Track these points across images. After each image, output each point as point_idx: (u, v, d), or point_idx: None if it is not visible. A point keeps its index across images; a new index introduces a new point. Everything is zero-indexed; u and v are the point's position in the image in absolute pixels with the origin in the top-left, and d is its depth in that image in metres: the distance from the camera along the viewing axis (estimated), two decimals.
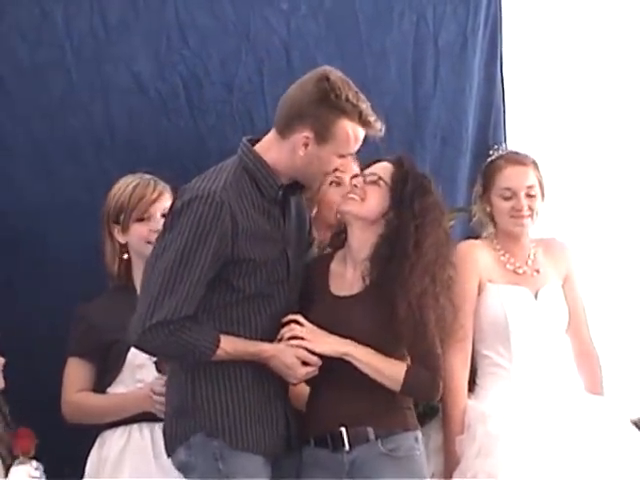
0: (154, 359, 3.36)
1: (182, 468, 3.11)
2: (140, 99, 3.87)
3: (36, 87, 3.79)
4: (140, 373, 3.42)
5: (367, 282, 3.19)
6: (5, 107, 3.76)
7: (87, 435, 3.50)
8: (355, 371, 3.13)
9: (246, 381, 3.09)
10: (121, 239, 3.49)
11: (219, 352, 3.02)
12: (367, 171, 3.26)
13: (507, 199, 3.64)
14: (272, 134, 3.09)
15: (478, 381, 3.63)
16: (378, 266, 3.17)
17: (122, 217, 3.47)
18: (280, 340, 3.11)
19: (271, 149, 3.09)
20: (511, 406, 3.54)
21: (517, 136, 4.35)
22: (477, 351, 3.58)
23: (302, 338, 3.12)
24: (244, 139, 3.12)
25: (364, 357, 3.15)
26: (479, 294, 3.60)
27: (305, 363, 3.10)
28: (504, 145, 3.89)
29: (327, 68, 3.08)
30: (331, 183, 3.57)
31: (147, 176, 3.51)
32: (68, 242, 3.78)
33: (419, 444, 3.26)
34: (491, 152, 3.75)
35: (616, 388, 4.05)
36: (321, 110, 3.03)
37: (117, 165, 3.75)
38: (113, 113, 3.84)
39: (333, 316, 3.17)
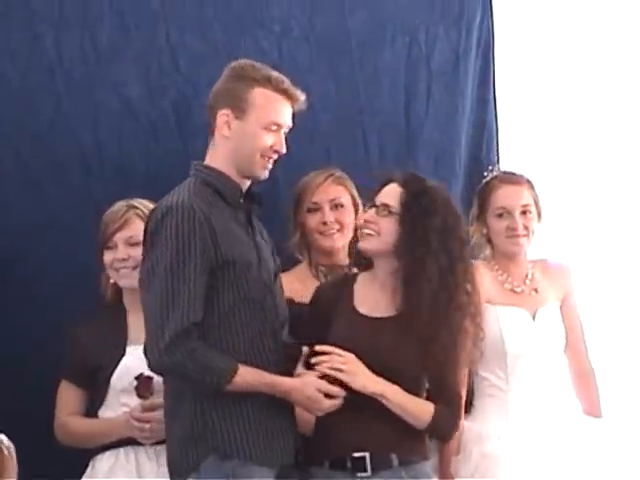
0: (135, 384, 3.36)
1: None
2: (130, 123, 3.86)
3: (25, 111, 3.78)
4: (124, 397, 3.42)
5: (400, 307, 3.17)
6: None
7: (82, 459, 3.49)
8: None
9: (256, 396, 3.05)
10: None
11: (237, 379, 2.98)
12: (378, 200, 3.23)
13: (502, 218, 3.65)
14: (210, 141, 3.14)
15: (475, 402, 3.63)
16: (407, 293, 3.15)
17: (113, 241, 3.50)
18: (312, 368, 3.08)
19: (213, 155, 3.13)
20: (507, 428, 3.55)
21: (510, 156, 4.33)
22: (474, 373, 3.57)
23: (341, 370, 3.08)
24: (193, 163, 3.17)
25: (395, 398, 3.13)
26: None
27: (327, 395, 3.07)
28: (497, 165, 3.90)
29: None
30: (309, 210, 3.61)
31: (133, 202, 3.52)
32: (55, 265, 3.77)
33: (433, 473, 3.27)
34: (485, 173, 3.78)
35: (614, 409, 4.05)
36: (231, 85, 3.07)
37: (105, 189, 3.74)
38: (102, 137, 3.83)
39: (360, 334, 3.14)
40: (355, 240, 3.46)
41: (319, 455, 3.17)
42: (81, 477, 3.49)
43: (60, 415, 3.49)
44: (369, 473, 3.13)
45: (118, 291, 3.53)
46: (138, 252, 3.35)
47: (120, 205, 3.51)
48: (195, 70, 3.87)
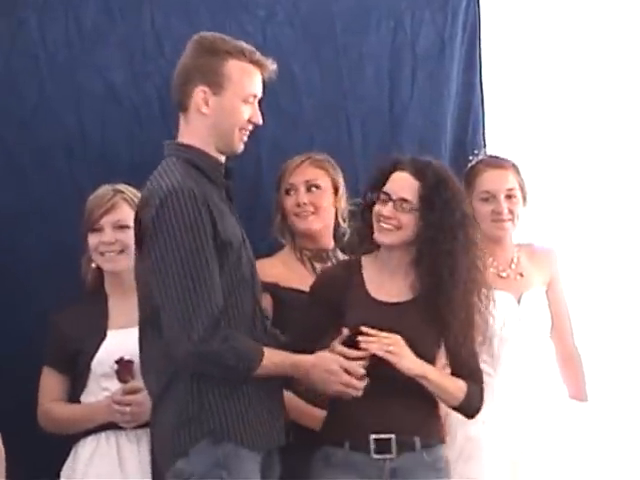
0: (116, 367, 3.37)
1: (178, 478, 3.00)
2: (114, 108, 3.85)
3: (9, 95, 3.77)
4: (105, 382, 3.42)
5: (417, 291, 3.19)
6: None
7: (65, 445, 3.50)
8: (400, 379, 3.12)
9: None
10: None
11: (265, 362, 2.95)
12: (393, 193, 3.20)
13: (487, 202, 3.66)
14: (180, 120, 3.05)
15: None
16: (427, 277, 3.17)
17: (99, 224, 3.49)
18: (357, 347, 3.08)
19: (189, 133, 3.04)
20: (493, 411, 3.55)
21: (497, 141, 4.34)
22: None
23: (389, 351, 3.10)
24: (166, 142, 3.10)
25: (435, 378, 3.16)
26: None
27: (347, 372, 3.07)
28: (483, 149, 3.92)
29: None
30: (286, 192, 3.60)
31: (118, 186, 3.51)
32: (38, 249, 3.76)
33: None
34: (471, 157, 3.80)
35: (600, 393, 4.08)
36: (204, 60, 3.00)
37: (89, 174, 3.74)
38: (86, 122, 3.82)
39: (381, 320, 3.15)
40: (337, 224, 3.47)
41: (337, 436, 3.18)
42: (63, 464, 3.49)
43: (43, 402, 3.50)
44: (394, 455, 3.16)
45: (99, 276, 3.53)
46: (125, 236, 3.38)
47: (106, 189, 3.50)
48: (180, 55, 3.66)
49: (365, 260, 3.26)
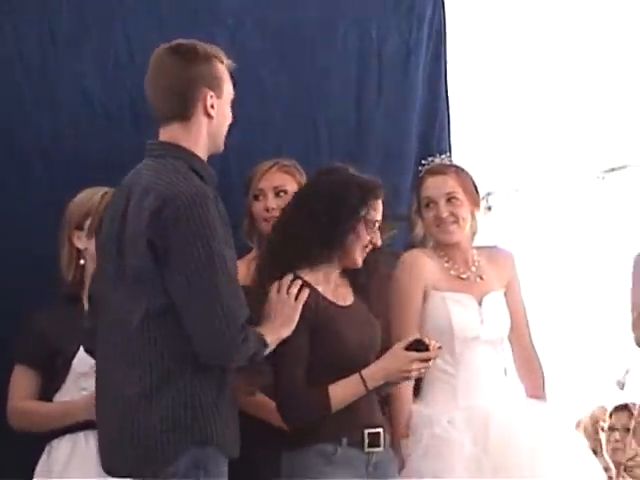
0: None
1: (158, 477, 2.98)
2: (87, 113, 3.89)
3: None
4: (85, 381, 3.43)
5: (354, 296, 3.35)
6: None
7: (36, 444, 3.51)
8: None
9: (224, 384, 3.05)
10: (81, 245, 3.55)
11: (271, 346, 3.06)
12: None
13: (429, 208, 3.71)
14: (174, 128, 3.03)
15: (424, 386, 3.69)
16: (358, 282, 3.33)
17: (87, 223, 3.52)
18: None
19: (189, 139, 3.05)
20: (456, 411, 3.60)
21: (462, 147, 4.42)
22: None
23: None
24: (151, 142, 3.08)
25: None
26: (424, 302, 3.66)
27: None
28: (448, 156, 3.94)
29: (163, 45, 3.10)
30: (255, 197, 3.66)
31: (101, 189, 3.56)
32: (14, 251, 3.78)
33: None
34: (420, 168, 3.83)
35: (558, 392, 4.15)
36: (203, 66, 3.05)
37: (64, 177, 3.77)
38: (61, 127, 3.87)
39: (360, 324, 3.30)
40: None
41: (335, 432, 3.22)
42: (35, 464, 3.50)
43: (15, 399, 3.50)
44: (382, 448, 3.28)
45: (82, 274, 3.55)
46: None
47: (92, 191, 3.54)
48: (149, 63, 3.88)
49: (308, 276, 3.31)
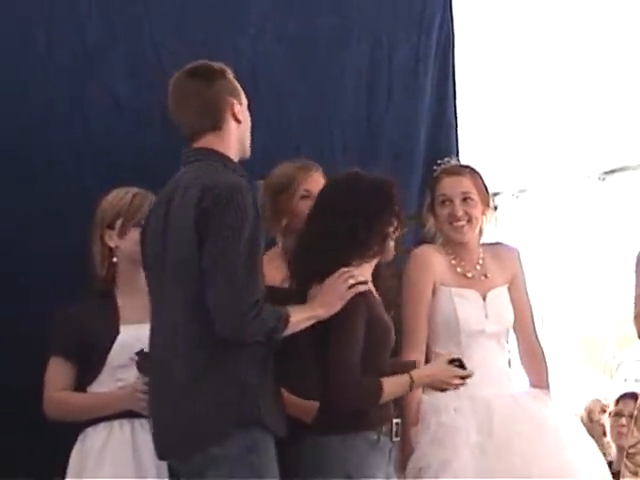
0: (137, 359, 3.48)
1: (208, 464, 3.07)
2: (117, 116, 4.01)
3: (20, 105, 3.92)
4: (121, 373, 3.54)
5: None
6: None
7: (68, 434, 3.57)
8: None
9: (267, 364, 3.16)
10: (113, 243, 3.63)
11: (292, 319, 3.15)
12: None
13: (445, 206, 3.81)
14: (209, 138, 3.24)
15: None
16: None
17: (119, 222, 3.61)
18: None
19: (222, 146, 3.25)
20: (462, 399, 3.68)
21: (469, 150, 4.54)
22: (431, 349, 3.75)
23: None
24: (186, 151, 3.25)
25: None
26: (433, 296, 3.77)
27: None
28: (449, 159, 4.03)
29: (178, 73, 3.32)
30: (302, 197, 3.70)
31: (131, 189, 3.66)
32: (47, 247, 3.86)
33: None
34: (435, 168, 3.94)
35: (561, 384, 4.27)
36: (222, 80, 3.28)
37: (95, 177, 3.89)
38: (92, 129, 3.98)
39: None
40: None
41: (376, 421, 3.33)
42: (69, 451, 3.56)
43: (51, 391, 3.55)
44: (399, 438, 3.46)
45: (114, 272, 3.63)
46: None
47: (124, 191, 3.65)
48: (177, 68, 3.79)
49: None
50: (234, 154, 3.29)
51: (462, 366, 3.43)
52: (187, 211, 3.15)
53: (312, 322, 3.19)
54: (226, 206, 3.08)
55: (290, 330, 3.15)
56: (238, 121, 3.27)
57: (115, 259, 3.64)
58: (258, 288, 3.11)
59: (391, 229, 3.35)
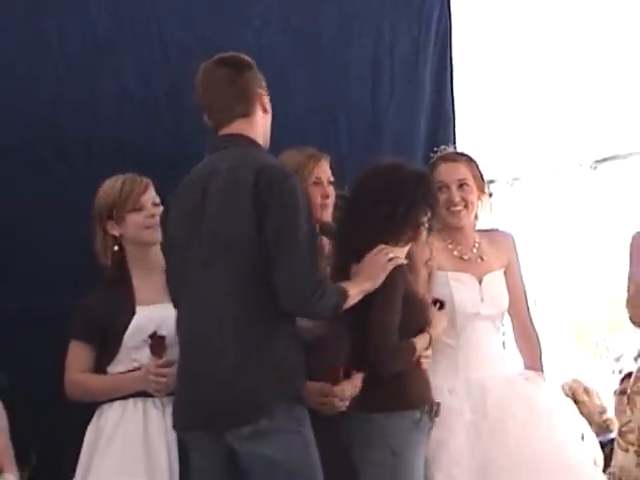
0: (150, 342, 3.58)
1: (257, 435, 3.15)
2: (126, 107, 4.08)
3: (32, 96, 4.00)
4: (135, 354, 3.63)
5: None
6: (3, 116, 3.99)
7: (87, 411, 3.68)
8: None
9: (300, 345, 3.27)
10: (116, 232, 3.71)
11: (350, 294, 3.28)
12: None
13: (442, 192, 3.88)
14: (239, 123, 3.31)
15: None
16: None
17: (115, 211, 3.68)
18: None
19: (253, 133, 3.34)
20: (457, 382, 3.78)
21: (466, 138, 4.63)
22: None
23: None
24: (216, 137, 3.30)
25: None
26: (430, 281, 3.84)
27: None
28: (446, 146, 4.11)
29: (207, 62, 3.38)
30: (315, 184, 3.75)
31: (129, 174, 3.75)
32: (58, 234, 3.94)
33: None
34: (432, 155, 4.04)
35: (552, 366, 4.36)
36: (250, 73, 3.39)
37: (104, 166, 3.92)
38: (101, 120, 4.06)
39: None
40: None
41: (420, 402, 3.45)
42: (86, 426, 3.66)
43: (72, 372, 3.66)
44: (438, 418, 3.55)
45: (121, 257, 3.72)
46: (159, 211, 3.66)
47: (123, 177, 3.72)
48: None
49: None
50: (261, 142, 3.37)
51: (442, 306, 3.59)
52: (239, 193, 3.21)
53: (362, 296, 3.30)
54: (283, 188, 3.17)
55: (347, 305, 3.26)
56: (265, 111, 3.36)
57: (116, 247, 3.72)
58: (319, 269, 3.22)
59: (425, 218, 3.49)
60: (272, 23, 4.25)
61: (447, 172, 3.92)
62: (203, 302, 3.25)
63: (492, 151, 4.69)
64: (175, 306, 3.40)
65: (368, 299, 3.37)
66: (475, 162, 3.97)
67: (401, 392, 3.43)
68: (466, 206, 3.90)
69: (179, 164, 3.85)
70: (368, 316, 3.37)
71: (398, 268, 3.39)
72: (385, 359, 3.39)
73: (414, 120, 4.41)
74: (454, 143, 4.48)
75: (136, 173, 3.77)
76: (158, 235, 3.64)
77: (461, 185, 3.91)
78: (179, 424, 3.36)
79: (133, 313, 3.66)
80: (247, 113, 3.34)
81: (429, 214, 3.53)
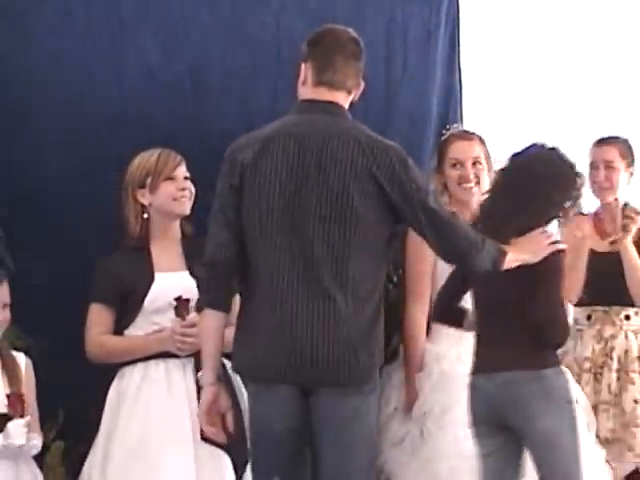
0: (175, 304, 3.70)
1: (361, 398, 3.28)
2: (150, 84, 4.22)
3: (60, 75, 4.15)
4: (157, 317, 3.74)
5: None
6: (34, 94, 4.16)
7: (106, 375, 3.81)
8: None
9: None
10: (146, 201, 3.84)
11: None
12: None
13: (455, 169, 4.04)
14: (340, 95, 3.39)
15: (433, 326, 3.99)
16: None
17: (149, 180, 3.81)
18: None
19: (344, 107, 3.45)
20: (462, 346, 3.86)
21: (473, 116, 4.74)
22: (434, 302, 3.85)
23: None
24: (320, 100, 3.34)
25: None
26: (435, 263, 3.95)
27: None
28: (456, 125, 4.27)
29: (347, 30, 3.51)
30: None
31: (164, 149, 3.89)
32: (86, 205, 4.12)
33: None
34: (443, 131, 4.19)
35: None
36: (362, 61, 3.50)
37: (128, 141, 4.08)
38: (126, 97, 4.20)
39: None
40: None
41: (481, 367, 3.51)
42: (108, 387, 3.79)
43: (93, 334, 3.77)
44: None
45: (146, 228, 3.85)
46: (189, 185, 3.83)
47: (160, 149, 3.86)
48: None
49: None
50: None
51: None
52: (356, 164, 3.29)
53: (518, 264, 3.42)
54: (408, 166, 3.30)
55: (505, 266, 3.39)
56: (354, 98, 3.45)
57: (146, 215, 3.84)
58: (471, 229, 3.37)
59: (567, 205, 3.59)
60: (290, 5, 4.38)
61: (463, 149, 4.07)
62: (303, 271, 3.24)
63: (497, 130, 4.78)
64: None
65: (533, 274, 3.49)
66: (485, 141, 4.13)
67: (555, 349, 3.57)
68: (478, 183, 4.05)
69: (200, 140, 4.12)
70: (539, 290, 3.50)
71: (561, 252, 3.54)
72: (557, 331, 3.51)
73: (426, 100, 4.53)
74: (461, 122, 4.60)
75: (156, 145, 3.90)
76: (186, 208, 3.79)
77: (474, 163, 4.06)
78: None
79: (153, 278, 3.78)
80: (350, 91, 3.40)
81: (571, 203, 3.61)
